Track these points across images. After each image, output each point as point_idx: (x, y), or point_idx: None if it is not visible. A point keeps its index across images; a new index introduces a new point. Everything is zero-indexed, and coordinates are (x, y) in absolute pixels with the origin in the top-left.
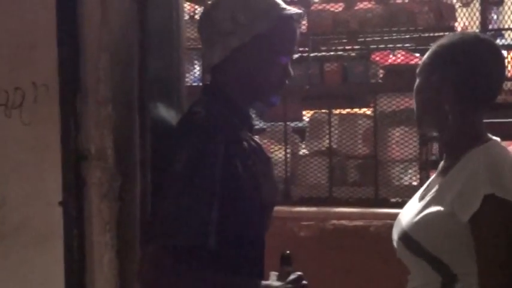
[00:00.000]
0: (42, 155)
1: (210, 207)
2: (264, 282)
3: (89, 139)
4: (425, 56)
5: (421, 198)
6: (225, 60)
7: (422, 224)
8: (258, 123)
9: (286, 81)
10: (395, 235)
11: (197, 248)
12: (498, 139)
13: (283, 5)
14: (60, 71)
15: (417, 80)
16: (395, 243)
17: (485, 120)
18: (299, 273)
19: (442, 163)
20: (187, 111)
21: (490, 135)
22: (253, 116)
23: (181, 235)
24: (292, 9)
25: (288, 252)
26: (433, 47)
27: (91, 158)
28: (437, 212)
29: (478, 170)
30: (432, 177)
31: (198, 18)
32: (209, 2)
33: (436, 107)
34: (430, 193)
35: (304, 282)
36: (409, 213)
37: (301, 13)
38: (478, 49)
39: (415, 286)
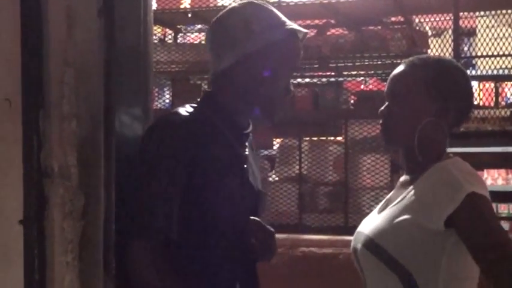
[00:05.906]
0: (3, 172)
1: (170, 200)
2: None
3: (52, 156)
4: (400, 69)
5: (381, 210)
6: (232, 66)
7: (391, 232)
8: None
9: (286, 99)
10: (358, 244)
11: (162, 241)
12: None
13: (291, 22)
14: (24, 85)
15: (389, 88)
16: (358, 252)
17: (456, 150)
18: None
19: (402, 178)
20: None
21: (451, 154)
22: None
23: (147, 231)
24: (300, 28)
25: None
26: (409, 62)
27: (54, 175)
28: (406, 220)
29: (451, 175)
30: (392, 192)
31: (209, 27)
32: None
33: (412, 119)
34: (394, 204)
35: None
36: (371, 224)
37: (307, 33)
38: (458, 71)
39: None
